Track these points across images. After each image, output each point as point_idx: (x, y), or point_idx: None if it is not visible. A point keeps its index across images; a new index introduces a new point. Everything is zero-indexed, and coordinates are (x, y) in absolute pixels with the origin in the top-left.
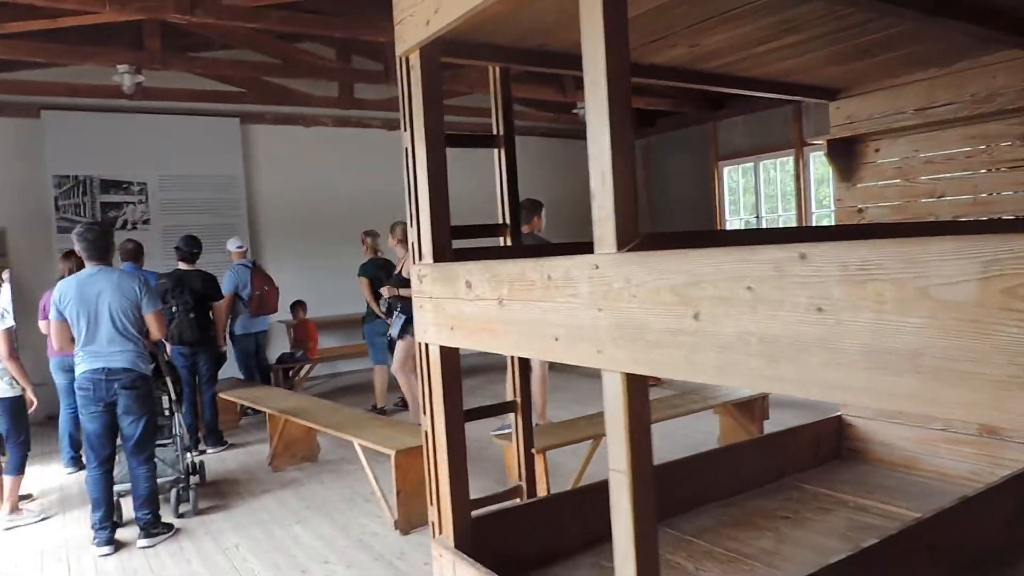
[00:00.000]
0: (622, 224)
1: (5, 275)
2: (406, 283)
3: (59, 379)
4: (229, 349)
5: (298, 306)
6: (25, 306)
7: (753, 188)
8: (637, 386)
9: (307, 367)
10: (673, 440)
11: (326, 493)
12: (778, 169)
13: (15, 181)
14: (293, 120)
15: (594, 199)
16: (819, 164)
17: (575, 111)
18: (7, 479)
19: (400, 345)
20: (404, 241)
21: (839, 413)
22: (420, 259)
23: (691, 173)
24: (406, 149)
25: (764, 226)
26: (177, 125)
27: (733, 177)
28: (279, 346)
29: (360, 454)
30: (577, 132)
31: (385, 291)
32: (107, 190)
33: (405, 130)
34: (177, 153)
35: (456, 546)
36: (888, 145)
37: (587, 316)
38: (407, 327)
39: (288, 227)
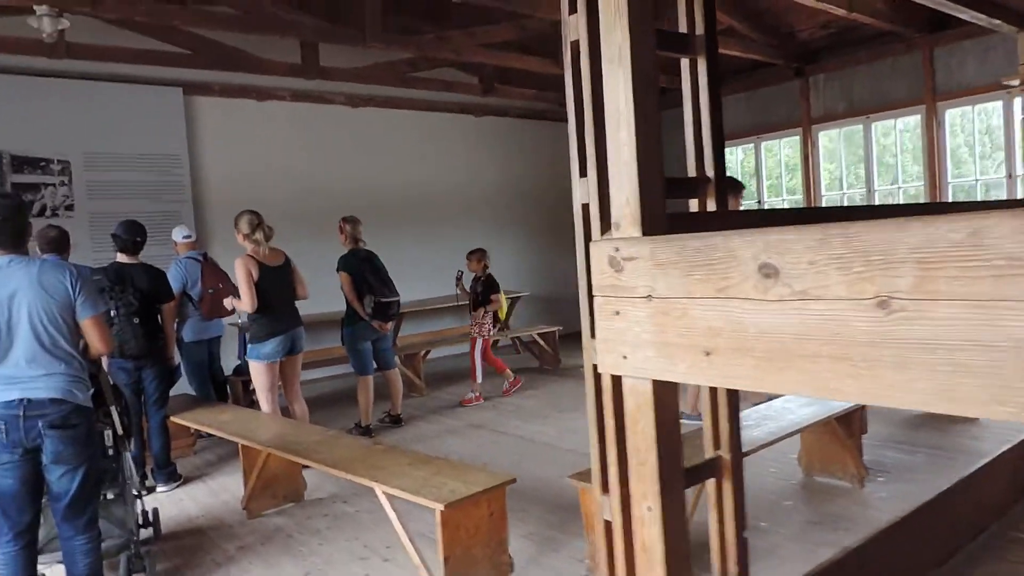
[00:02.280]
0: None
1: None
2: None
3: None
4: (179, 360)
5: None
6: None
7: (754, 169)
8: None
9: None
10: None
11: (327, 549)
12: (781, 149)
13: None
14: (245, 92)
15: None
16: (828, 142)
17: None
18: None
19: None
20: (252, 236)
21: None
22: (614, 229)
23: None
24: (572, 63)
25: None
26: (108, 93)
27: (731, 158)
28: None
29: (386, 506)
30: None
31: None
32: (20, 168)
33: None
34: (108, 126)
35: None
36: None
37: None
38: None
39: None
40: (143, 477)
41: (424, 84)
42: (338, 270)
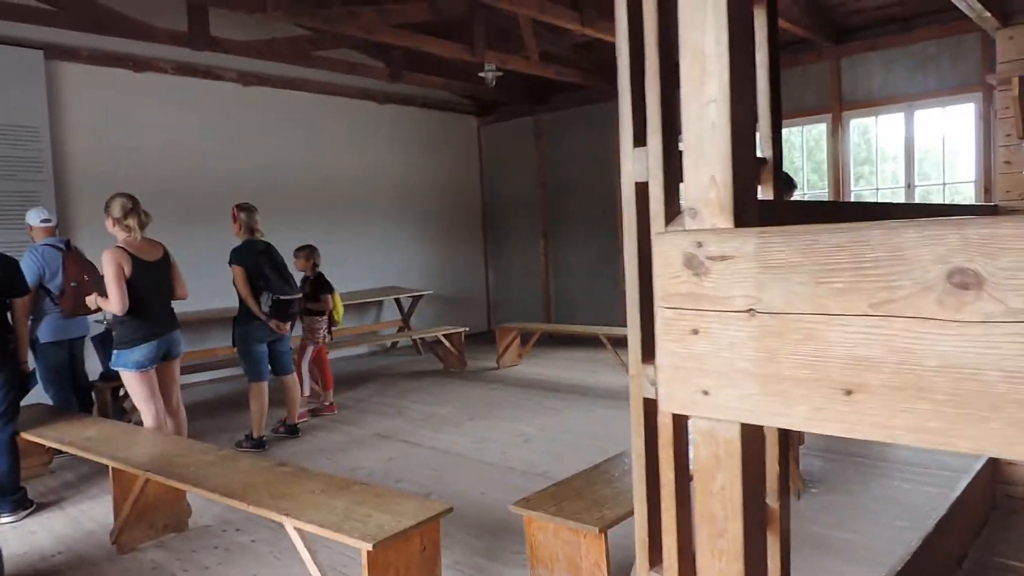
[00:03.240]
0: None
1: None
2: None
3: None
4: (33, 364)
5: None
6: None
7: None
8: None
9: None
10: None
11: None
12: (803, 136)
13: None
14: (119, 61)
15: None
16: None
17: (482, 73)
18: None
19: None
20: (124, 220)
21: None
22: (688, 219)
23: (593, 154)
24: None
25: None
26: None
27: None
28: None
29: (298, 544)
30: (475, 106)
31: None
32: None
33: None
34: None
35: None
36: None
37: None
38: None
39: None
40: None
41: (326, 64)
42: (231, 263)
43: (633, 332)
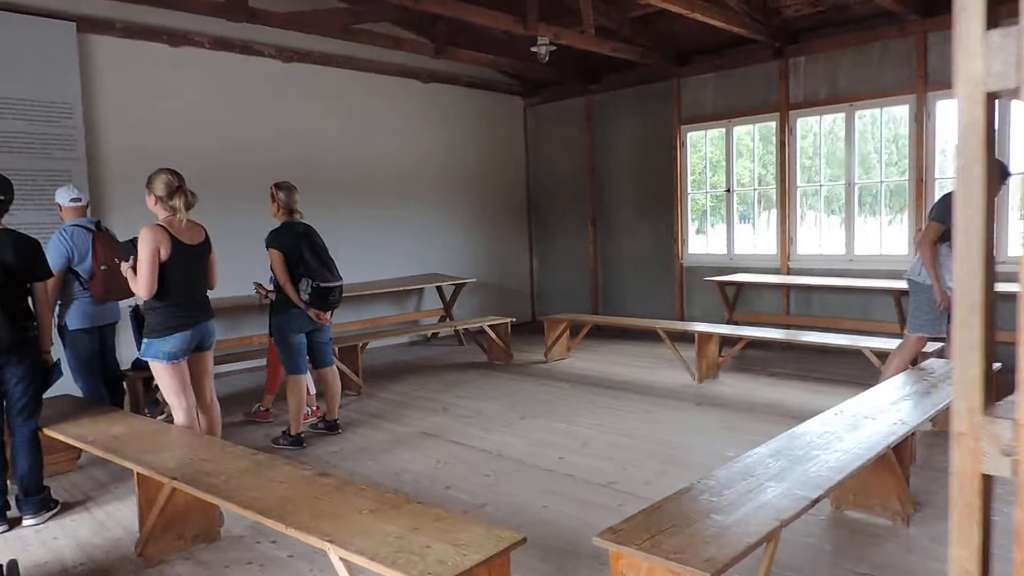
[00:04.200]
0: None
1: None
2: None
3: None
4: (60, 353)
5: None
6: None
7: (724, 156)
8: None
9: None
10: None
11: None
12: (755, 135)
13: None
14: (154, 34)
15: None
16: (805, 130)
17: (534, 48)
18: None
19: None
20: (169, 201)
21: None
22: None
23: (647, 137)
24: None
25: (735, 199)
26: None
27: (698, 143)
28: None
29: (342, 573)
30: (522, 86)
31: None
32: None
33: None
34: None
35: None
36: None
37: None
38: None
39: (144, 177)
40: (4, 507)
41: (368, 39)
42: (268, 246)
43: (968, 360)
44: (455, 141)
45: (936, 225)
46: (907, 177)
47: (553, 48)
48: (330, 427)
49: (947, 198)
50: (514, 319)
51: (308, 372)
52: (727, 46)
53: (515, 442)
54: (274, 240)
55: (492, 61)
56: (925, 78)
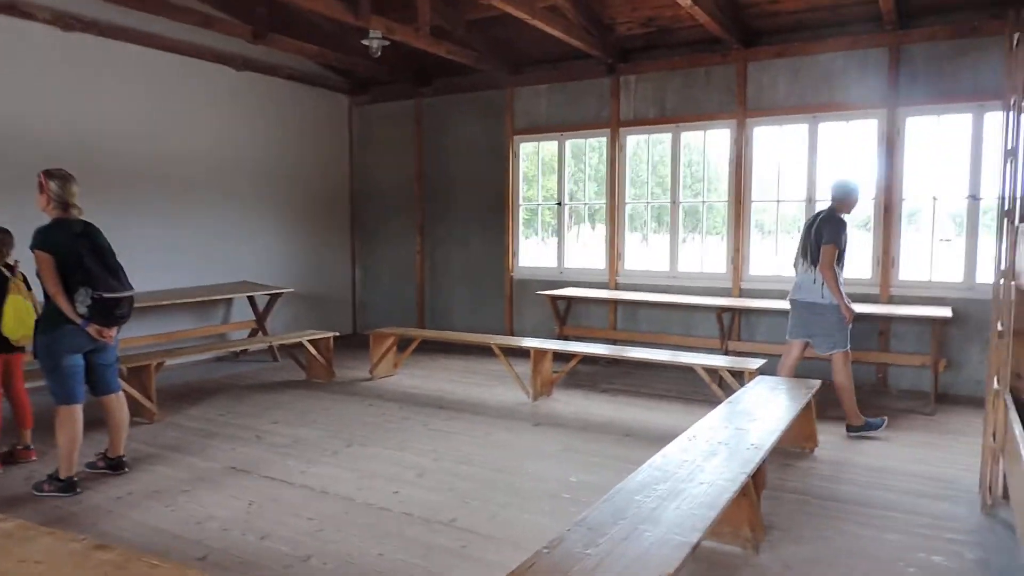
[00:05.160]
0: None
1: None
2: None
3: None
4: None
5: None
6: None
7: (556, 169)
8: None
9: None
10: None
11: None
12: (586, 150)
13: None
14: None
15: None
16: (637, 145)
17: (365, 41)
18: None
19: None
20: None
21: None
22: None
23: (479, 145)
24: None
25: (567, 211)
26: None
27: (530, 154)
28: None
29: None
30: (348, 83)
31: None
32: None
33: None
34: None
35: None
36: None
37: None
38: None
39: None
40: None
41: (171, 12)
42: (34, 247)
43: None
44: (272, 138)
45: (832, 247)
46: (726, 199)
47: (386, 43)
48: (113, 466)
49: (835, 220)
50: (336, 333)
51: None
52: (561, 59)
53: (342, 475)
54: (43, 240)
55: (318, 53)
56: (744, 104)
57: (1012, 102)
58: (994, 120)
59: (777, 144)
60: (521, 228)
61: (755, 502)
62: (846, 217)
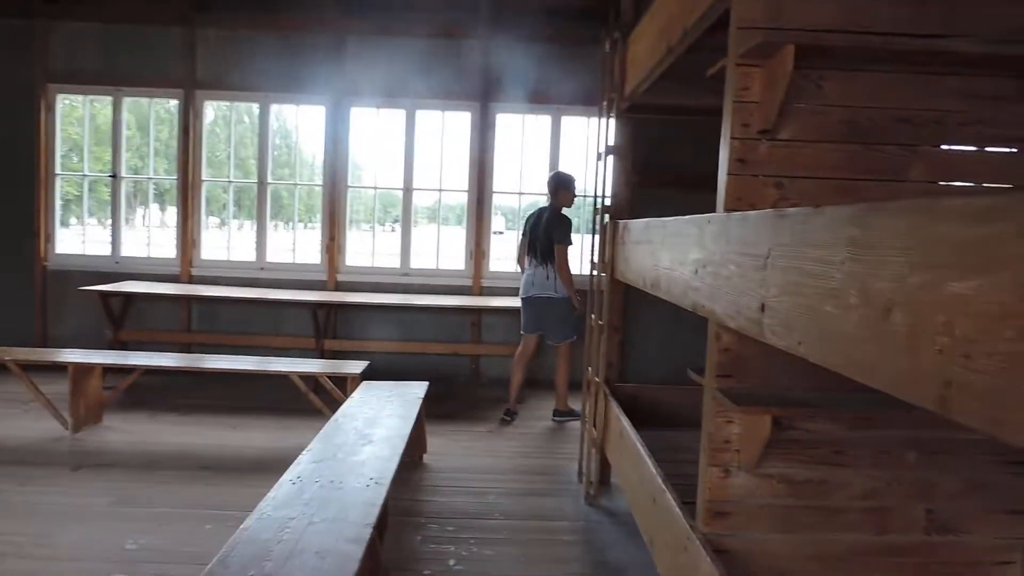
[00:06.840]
0: None
1: None
2: None
3: None
4: None
5: None
6: None
7: (111, 132)
8: None
9: None
10: None
11: None
12: (153, 118)
13: None
14: None
15: None
16: (220, 116)
17: None
18: None
19: None
20: None
21: None
22: None
23: None
24: None
25: (123, 188)
26: None
27: (73, 111)
28: None
29: None
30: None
31: None
32: None
33: None
34: None
35: None
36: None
37: None
38: None
39: None
40: None
41: None
42: None
43: None
44: None
45: (565, 248)
46: (321, 183)
47: None
48: None
49: (562, 220)
50: None
51: None
52: None
53: None
54: None
55: None
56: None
57: (603, 106)
58: (572, 123)
59: (374, 129)
60: (58, 205)
61: (380, 554)
62: (567, 211)
